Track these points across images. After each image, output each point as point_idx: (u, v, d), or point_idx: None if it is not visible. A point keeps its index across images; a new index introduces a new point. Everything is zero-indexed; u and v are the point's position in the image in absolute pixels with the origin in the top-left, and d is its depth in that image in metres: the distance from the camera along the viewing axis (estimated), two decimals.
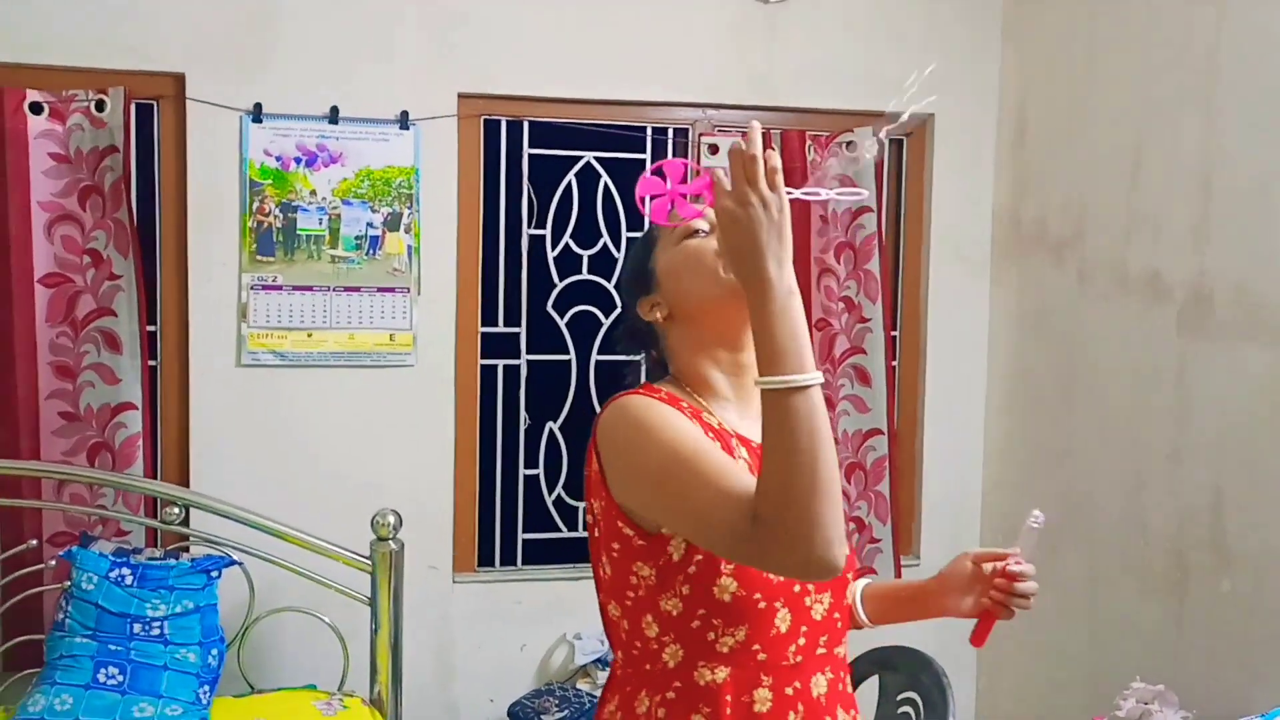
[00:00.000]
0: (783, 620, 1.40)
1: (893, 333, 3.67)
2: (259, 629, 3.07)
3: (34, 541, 2.99)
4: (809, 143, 3.48)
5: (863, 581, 1.68)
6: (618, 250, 3.57)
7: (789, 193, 1.27)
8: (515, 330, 3.53)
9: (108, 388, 3.10)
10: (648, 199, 1.37)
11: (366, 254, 3.28)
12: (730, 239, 1.27)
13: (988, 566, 1.57)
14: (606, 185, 3.56)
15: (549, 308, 3.55)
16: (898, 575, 3.58)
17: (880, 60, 3.52)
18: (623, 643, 1.47)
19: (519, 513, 3.57)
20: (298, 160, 3.23)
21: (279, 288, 3.24)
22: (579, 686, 3.38)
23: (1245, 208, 2.79)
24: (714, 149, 3.47)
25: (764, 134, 1.27)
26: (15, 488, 3.00)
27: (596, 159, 3.54)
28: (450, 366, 3.40)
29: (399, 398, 3.34)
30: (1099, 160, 3.26)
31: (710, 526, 1.29)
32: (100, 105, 3.05)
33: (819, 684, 1.44)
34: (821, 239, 3.54)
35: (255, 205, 3.21)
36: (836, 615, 1.47)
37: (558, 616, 3.47)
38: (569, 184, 3.53)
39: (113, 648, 2.74)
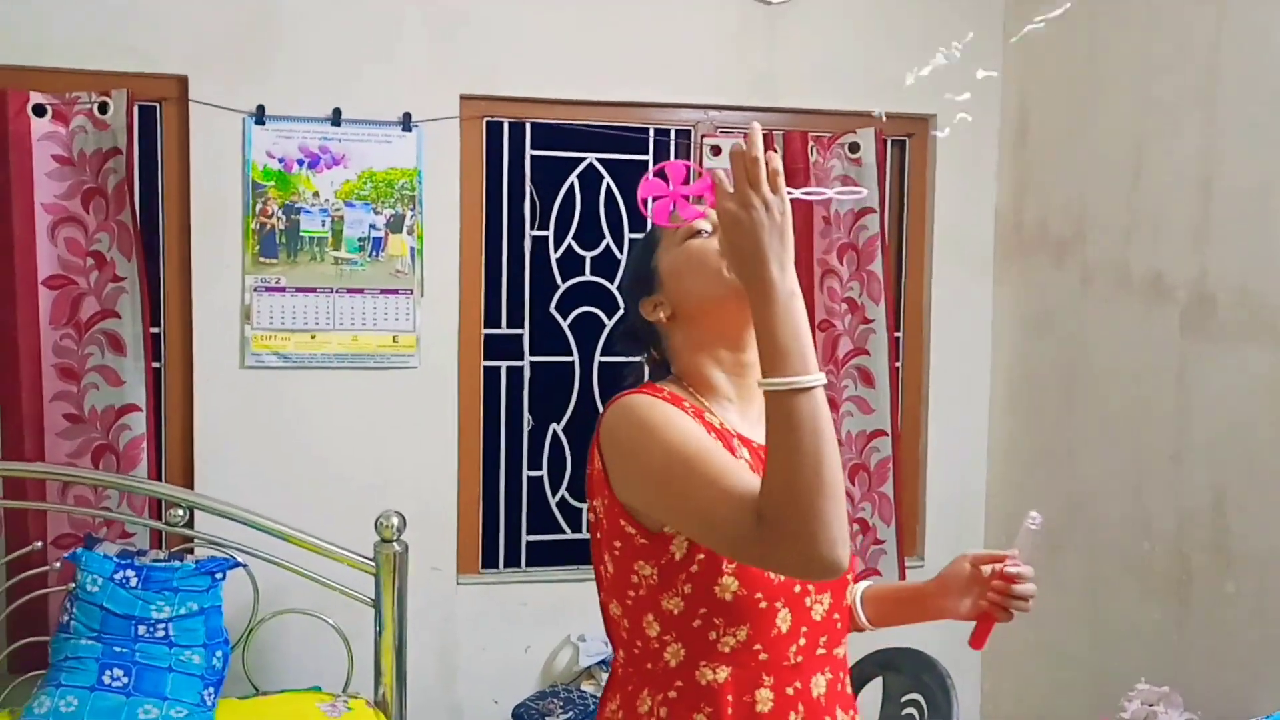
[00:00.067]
0: (783, 620, 1.40)
1: (896, 334, 3.67)
2: (263, 631, 3.07)
3: (39, 543, 3.00)
4: (811, 143, 3.48)
5: (863, 584, 1.68)
6: (620, 252, 3.57)
7: (789, 193, 1.28)
8: (518, 332, 3.54)
9: (112, 390, 3.11)
10: (650, 200, 1.38)
11: (369, 256, 3.29)
12: (732, 241, 1.27)
13: (986, 568, 1.57)
14: (609, 186, 3.56)
15: (552, 309, 3.56)
16: (902, 577, 3.58)
17: (881, 60, 3.53)
18: (624, 641, 1.47)
19: (523, 514, 3.58)
20: (300, 162, 3.24)
21: (282, 289, 3.24)
22: (583, 688, 3.38)
23: (1247, 208, 2.79)
24: (716, 150, 3.47)
25: (765, 135, 1.27)
26: (20, 490, 3.01)
27: (599, 160, 3.54)
28: (453, 368, 3.40)
29: (402, 399, 3.34)
30: (1100, 161, 3.26)
31: (713, 526, 1.29)
32: (103, 107, 3.06)
33: (818, 684, 1.45)
34: (824, 240, 3.54)
35: (258, 207, 3.22)
36: (836, 616, 1.48)
37: (562, 618, 3.47)
38: (571, 185, 3.54)
39: (117, 649, 2.75)
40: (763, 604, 1.39)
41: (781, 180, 1.26)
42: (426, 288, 3.34)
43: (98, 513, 3.06)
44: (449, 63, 3.32)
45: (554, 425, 3.59)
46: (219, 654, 2.84)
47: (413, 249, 3.32)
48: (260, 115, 3.20)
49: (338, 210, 3.26)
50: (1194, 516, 2.92)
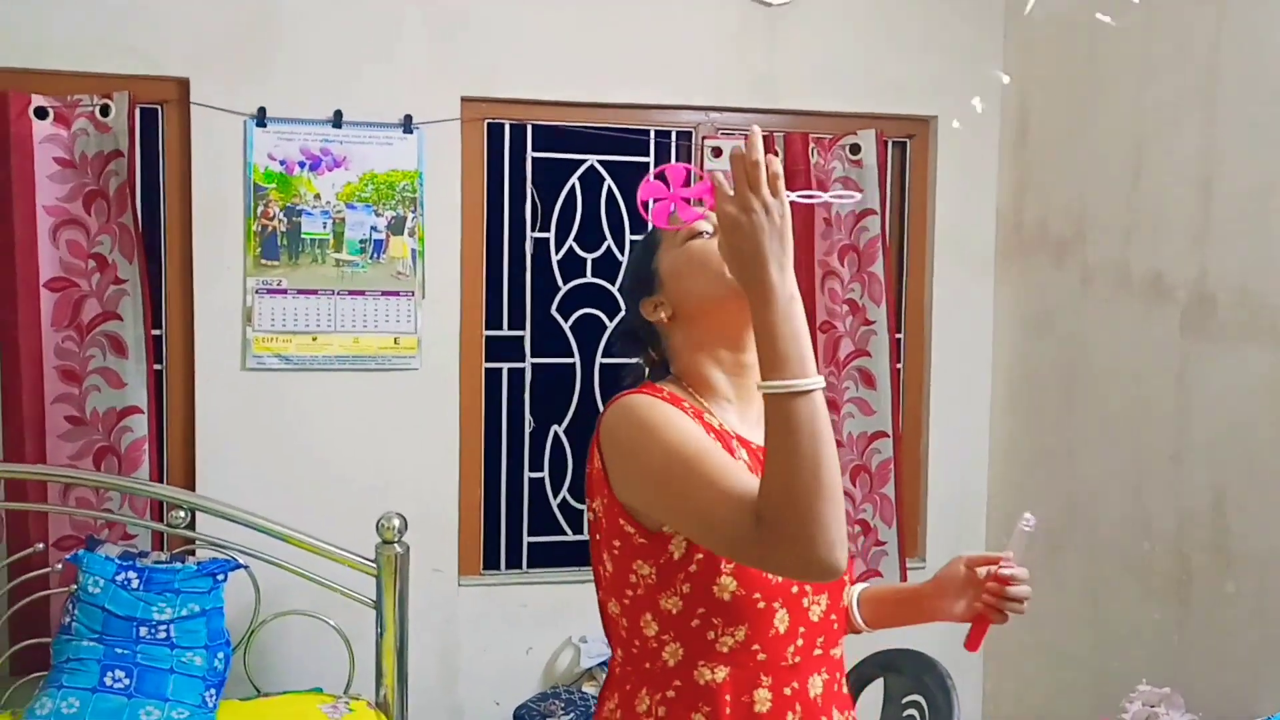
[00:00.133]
0: (781, 621, 1.41)
1: (897, 335, 3.67)
2: (265, 632, 3.08)
3: (40, 545, 3.00)
4: (811, 144, 3.48)
5: (859, 586, 1.68)
6: (621, 254, 3.58)
7: (788, 196, 1.28)
8: (519, 333, 3.54)
9: (113, 391, 3.11)
10: (650, 203, 1.38)
11: (371, 258, 3.29)
12: (732, 244, 1.28)
13: (981, 570, 1.57)
14: (610, 188, 3.56)
15: (553, 311, 3.56)
16: (903, 578, 3.58)
17: (881, 62, 3.53)
18: (622, 640, 1.48)
19: (524, 516, 3.58)
20: (302, 164, 3.24)
21: (283, 291, 3.25)
22: (585, 689, 3.38)
23: (1247, 208, 2.79)
24: (717, 152, 3.48)
25: (765, 137, 1.28)
26: (21, 492, 3.01)
27: (600, 162, 3.55)
28: (455, 370, 3.40)
29: (404, 401, 3.35)
30: (1100, 161, 3.26)
31: (712, 526, 1.30)
32: (105, 110, 3.06)
33: (815, 685, 1.45)
34: (825, 242, 3.54)
35: (259, 209, 3.22)
36: (833, 617, 1.48)
37: (563, 619, 3.47)
38: (572, 187, 3.54)
39: (119, 651, 2.75)
40: (761, 604, 1.39)
41: (781, 183, 1.26)
42: (428, 289, 3.34)
43: (99, 514, 3.06)
44: (450, 65, 3.33)
45: (555, 427, 3.59)
46: (220, 655, 2.84)
47: (414, 251, 3.32)
48: (261, 117, 3.20)
49: (339, 212, 3.27)
50: (1194, 516, 2.92)
